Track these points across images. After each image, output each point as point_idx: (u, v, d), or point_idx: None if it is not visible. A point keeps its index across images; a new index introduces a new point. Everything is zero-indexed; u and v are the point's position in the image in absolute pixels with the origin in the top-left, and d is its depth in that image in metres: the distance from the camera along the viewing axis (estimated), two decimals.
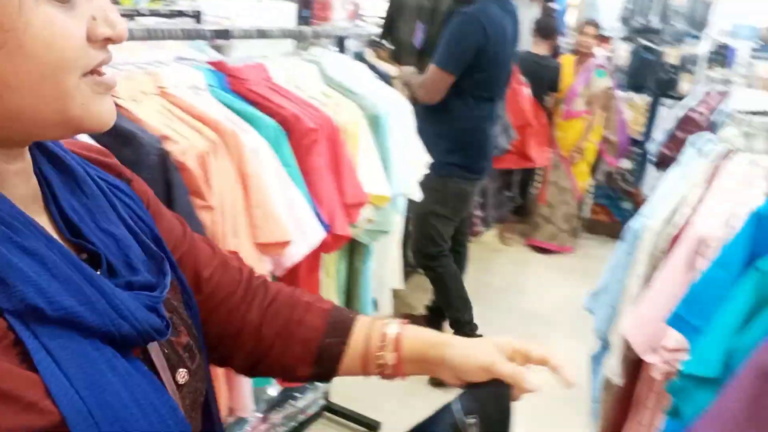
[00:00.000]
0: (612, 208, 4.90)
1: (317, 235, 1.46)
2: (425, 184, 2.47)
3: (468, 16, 2.37)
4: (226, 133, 1.30)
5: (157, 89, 1.33)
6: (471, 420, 0.68)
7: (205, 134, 1.27)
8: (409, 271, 3.67)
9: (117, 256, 0.54)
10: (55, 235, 0.51)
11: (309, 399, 2.34)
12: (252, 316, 0.75)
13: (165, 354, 0.57)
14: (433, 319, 3.04)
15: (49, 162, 0.55)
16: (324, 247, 1.58)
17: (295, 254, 1.41)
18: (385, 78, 2.21)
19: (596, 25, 4.26)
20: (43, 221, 0.52)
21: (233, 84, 1.56)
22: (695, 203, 1.29)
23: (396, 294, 3.40)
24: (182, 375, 0.59)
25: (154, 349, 0.56)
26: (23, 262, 0.44)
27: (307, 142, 1.54)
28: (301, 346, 0.75)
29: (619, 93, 4.32)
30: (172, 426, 0.50)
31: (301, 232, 1.43)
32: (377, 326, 0.76)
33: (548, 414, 2.58)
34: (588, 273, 4.24)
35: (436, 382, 2.67)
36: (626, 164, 4.60)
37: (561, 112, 4.17)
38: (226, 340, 0.75)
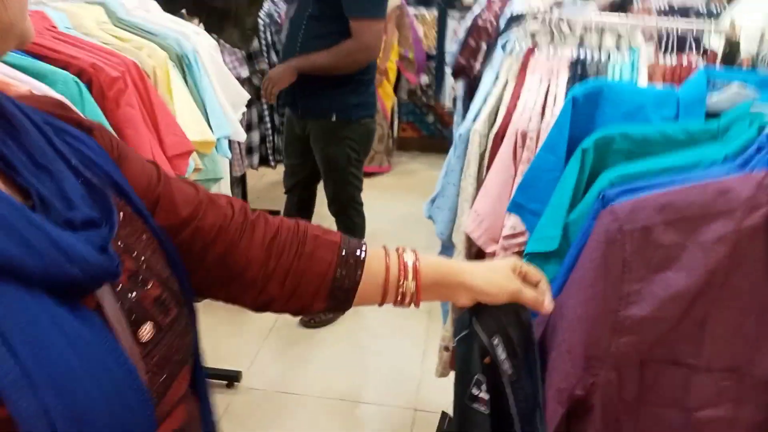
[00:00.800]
0: (418, 123, 5.15)
1: None
2: (334, 134, 2.43)
3: None
4: (21, 97, 1.12)
5: None
6: (495, 340, 0.76)
7: None
8: None
9: (51, 190, 0.50)
10: None
11: None
12: (255, 250, 0.72)
13: (126, 308, 0.52)
14: None
15: None
16: None
17: None
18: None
19: None
20: None
21: None
22: (510, 101, 1.41)
23: None
24: (146, 330, 0.54)
25: (107, 300, 0.50)
26: None
27: (113, 93, 1.39)
28: (315, 280, 0.74)
29: (409, 9, 4.46)
30: (125, 389, 0.46)
31: None
32: (394, 256, 0.77)
33: (397, 316, 2.76)
34: (406, 186, 4.49)
35: (306, 323, 2.70)
36: (425, 79, 4.82)
37: None
38: (234, 278, 0.73)
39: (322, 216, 2.81)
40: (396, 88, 4.64)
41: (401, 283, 0.76)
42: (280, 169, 3.56)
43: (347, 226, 2.72)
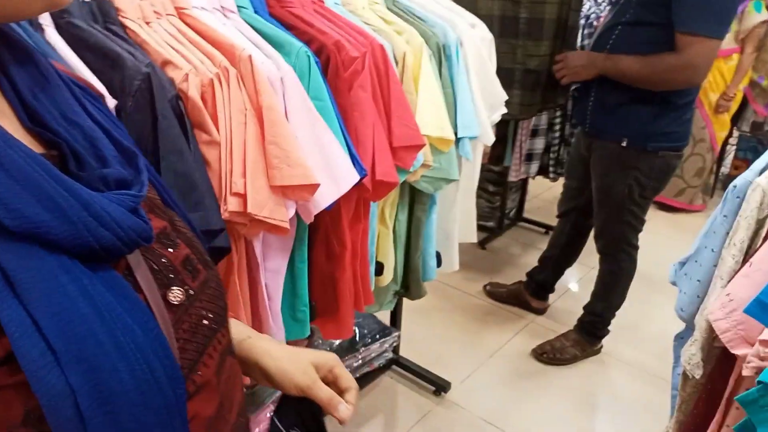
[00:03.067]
0: None
1: (349, 179, 1.29)
2: (619, 161, 2.07)
3: None
4: (241, 59, 1.15)
5: (174, 10, 1.21)
6: None
7: (217, 60, 1.13)
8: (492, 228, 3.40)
9: (84, 146, 0.48)
10: (16, 125, 0.46)
11: (375, 350, 2.23)
12: None
13: (155, 270, 0.50)
14: (534, 287, 2.76)
15: (5, 46, 0.49)
16: (367, 193, 1.41)
17: (321, 200, 1.26)
18: None
19: None
20: (5, 110, 0.46)
21: (273, 7, 1.40)
22: None
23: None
24: (176, 294, 0.51)
25: (139, 264, 0.48)
26: None
27: (348, 73, 1.35)
28: None
29: None
30: (154, 364, 0.42)
31: (330, 175, 1.26)
32: None
33: (649, 385, 2.31)
34: None
35: (539, 356, 2.46)
36: None
37: None
38: None
39: (592, 250, 2.44)
40: (736, 118, 3.89)
41: None
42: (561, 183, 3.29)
43: (611, 269, 2.33)
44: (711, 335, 1.09)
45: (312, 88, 1.28)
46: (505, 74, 1.87)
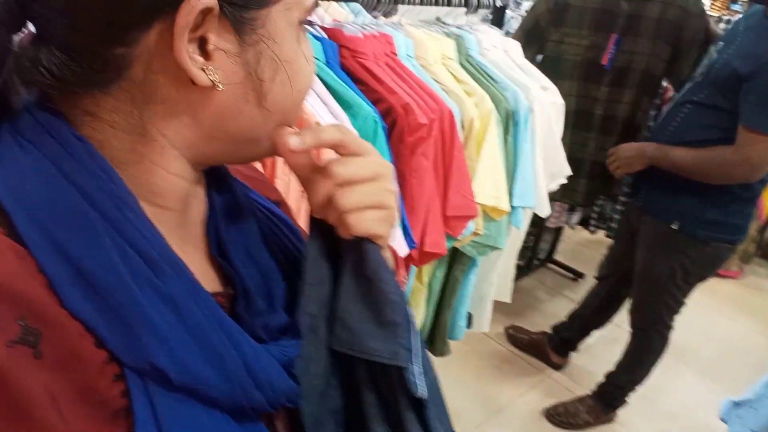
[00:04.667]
0: None
1: (398, 251, 1.24)
2: (667, 243, 1.95)
3: None
4: (308, 124, 1.10)
5: None
6: None
7: None
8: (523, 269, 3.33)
9: (257, 285, 0.49)
10: (201, 254, 0.48)
11: None
12: None
13: (293, 418, 0.49)
14: (558, 342, 2.69)
15: (210, 173, 0.50)
16: (412, 262, 1.37)
17: None
18: None
19: None
20: (198, 241, 0.48)
21: (346, 57, 1.35)
22: None
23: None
24: None
25: (280, 417, 0.48)
26: (158, 313, 0.38)
27: (413, 139, 1.30)
28: None
29: None
30: None
31: None
32: None
33: None
34: (750, 307, 3.62)
35: (551, 417, 2.41)
36: None
37: None
38: None
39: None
40: None
41: None
42: (598, 235, 3.20)
43: (641, 346, 2.22)
44: None
45: None
46: (573, 164, 1.83)
